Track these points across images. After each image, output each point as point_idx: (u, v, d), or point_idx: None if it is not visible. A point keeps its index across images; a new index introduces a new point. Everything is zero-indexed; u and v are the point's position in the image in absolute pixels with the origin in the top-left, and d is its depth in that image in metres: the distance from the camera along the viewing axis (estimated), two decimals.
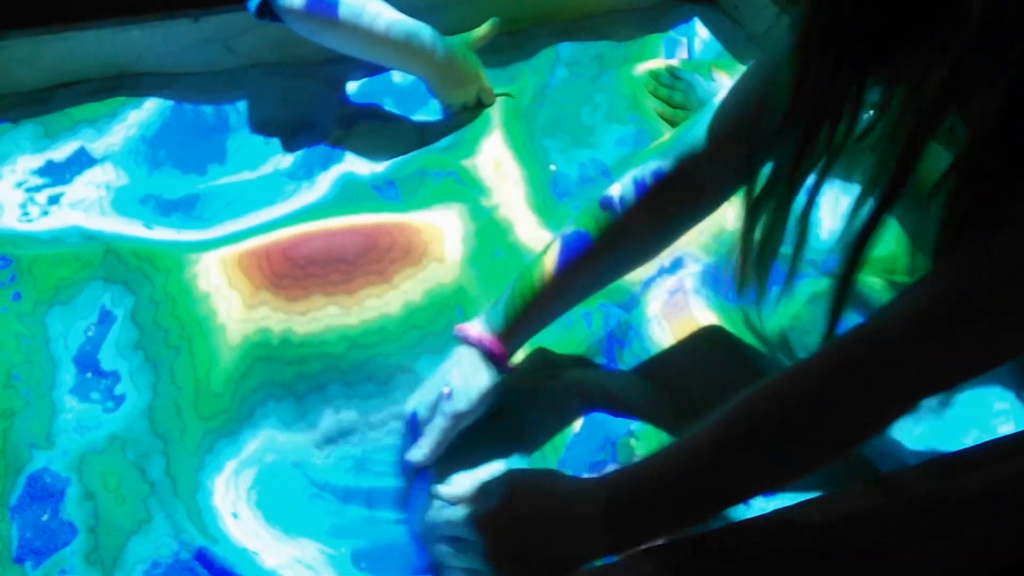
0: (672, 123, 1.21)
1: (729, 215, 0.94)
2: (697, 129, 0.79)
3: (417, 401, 0.82)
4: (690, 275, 0.98)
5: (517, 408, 0.87)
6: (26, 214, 1.05)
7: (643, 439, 0.82)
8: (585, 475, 0.79)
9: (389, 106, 1.24)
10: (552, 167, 1.15)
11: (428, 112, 1.24)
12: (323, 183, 1.12)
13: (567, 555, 0.65)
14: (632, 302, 0.97)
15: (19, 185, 1.09)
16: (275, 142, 1.18)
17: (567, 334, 0.94)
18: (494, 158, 1.15)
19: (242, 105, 1.22)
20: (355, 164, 1.15)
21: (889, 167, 0.59)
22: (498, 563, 0.68)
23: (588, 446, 0.83)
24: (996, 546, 0.74)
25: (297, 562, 0.77)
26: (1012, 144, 0.55)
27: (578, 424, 0.85)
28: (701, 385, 0.88)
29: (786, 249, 1.02)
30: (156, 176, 1.12)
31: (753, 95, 0.76)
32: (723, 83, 1.17)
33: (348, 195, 1.10)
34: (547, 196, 1.11)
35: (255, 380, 0.88)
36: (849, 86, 0.62)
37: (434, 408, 0.81)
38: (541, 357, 0.92)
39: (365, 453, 0.85)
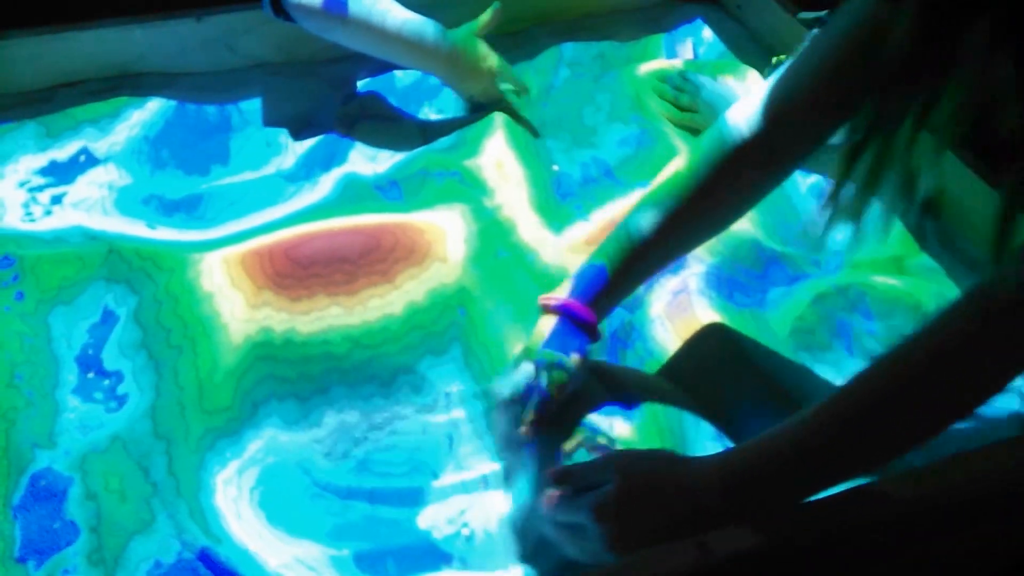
0: (679, 126, 1.20)
1: None
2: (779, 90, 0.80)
3: (513, 377, 0.81)
4: (694, 276, 0.98)
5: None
6: (29, 214, 1.05)
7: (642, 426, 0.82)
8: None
9: (392, 106, 1.24)
10: (555, 167, 1.16)
11: (431, 112, 1.25)
12: (326, 183, 1.12)
13: (684, 535, 0.65)
14: (635, 303, 0.97)
15: (22, 185, 1.09)
16: (278, 142, 1.18)
17: None
18: (497, 158, 1.14)
19: (245, 105, 1.22)
20: (358, 164, 1.15)
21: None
22: (620, 549, 0.68)
23: None
24: (996, 546, 0.74)
25: (299, 562, 0.77)
26: None
27: None
28: (705, 386, 0.88)
29: (786, 249, 1.03)
30: (159, 176, 1.12)
31: (829, 60, 0.77)
32: (729, 85, 1.17)
33: (351, 195, 1.10)
34: (550, 196, 1.11)
35: (258, 380, 0.88)
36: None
37: (534, 381, 0.80)
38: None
39: (368, 453, 0.85)
